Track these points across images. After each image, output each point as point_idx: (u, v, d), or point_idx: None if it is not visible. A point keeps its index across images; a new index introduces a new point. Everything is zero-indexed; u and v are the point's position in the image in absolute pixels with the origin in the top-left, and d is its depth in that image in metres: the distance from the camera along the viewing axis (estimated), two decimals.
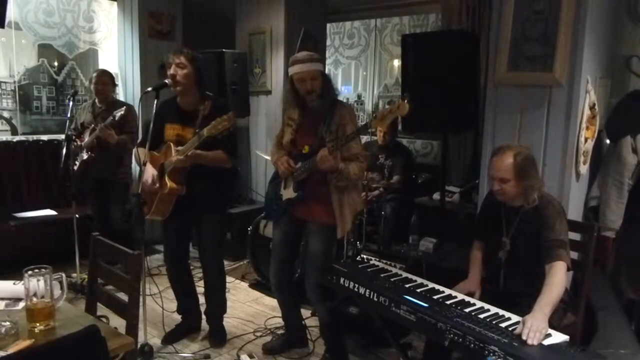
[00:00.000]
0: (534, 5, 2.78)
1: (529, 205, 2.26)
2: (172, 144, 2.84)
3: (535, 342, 1.80)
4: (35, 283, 1.65)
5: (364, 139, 5.52)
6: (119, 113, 3.64)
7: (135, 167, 4.82)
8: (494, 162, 2.28)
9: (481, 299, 2.25)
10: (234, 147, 2.94)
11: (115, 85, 4.23)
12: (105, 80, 4.01)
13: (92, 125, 3.89)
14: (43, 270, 1.67)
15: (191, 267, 3.30)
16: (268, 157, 4.33)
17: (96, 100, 4.05)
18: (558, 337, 1.88)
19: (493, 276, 2.43)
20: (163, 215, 2.91)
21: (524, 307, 2.07)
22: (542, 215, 2.23)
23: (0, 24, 3.58)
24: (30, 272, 1.66)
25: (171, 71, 2.80)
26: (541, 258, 2.19)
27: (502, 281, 2.38)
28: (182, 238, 3.13)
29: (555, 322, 2.10)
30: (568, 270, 2.16)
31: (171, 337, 3.15)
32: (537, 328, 1.84)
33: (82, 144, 3.92)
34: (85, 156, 3.90)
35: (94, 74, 4.04)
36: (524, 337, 1.82)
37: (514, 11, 2.83)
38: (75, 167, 3.91)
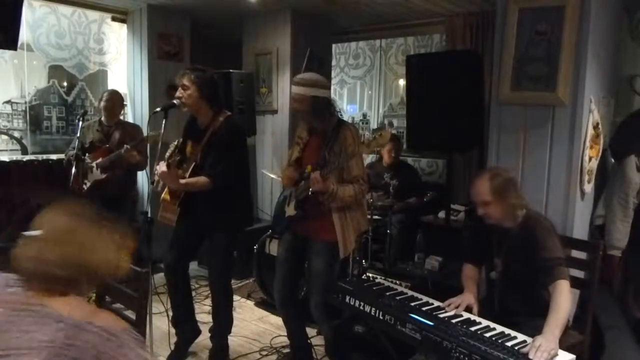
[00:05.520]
0: (537, 26, 2.82)
1: (516, 223, 2.30)
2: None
3: None
4: None
5: (370, 158, 5.56)
6: (140, 138, 3.83)
7: (141, 185, 4.88)
8: (473, 186, 2.35)
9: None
10: (223, 170, 2.83)
11: (123, 106, 4.31)
12: (116, 99, 4.08)
13: (107, 145, 3.95)
14: None
15: (198, 285, 3.29)
16: (274, 176, 4.37)
17: (103, 119, 4.09)
18: (565, 357, 1.87)
19: (488, 297, 2.47)
20: (172, 213, 2.97)
21: (523, 326, 2.08)
22: (532, 236, 2.25)
23: (13, 46, 3.68)
24: None
25: (177, 93, 2.87)
26: (540, 279, 2.20)
27: (497, 301, 2.41)
28: (185, 251, 3.11)
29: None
30: (571, 286, 2.16)
31: (177, 356, 3.15)
32: (546, 348, 1.84)
33: (95, 163, 3.92)
34: (103, 176, 3.93)
35: (105, 93, 4.10)
36: (531, 357, 1.81)
37: (517, 32, 2.87)
38: (85, 187, 3.93)
